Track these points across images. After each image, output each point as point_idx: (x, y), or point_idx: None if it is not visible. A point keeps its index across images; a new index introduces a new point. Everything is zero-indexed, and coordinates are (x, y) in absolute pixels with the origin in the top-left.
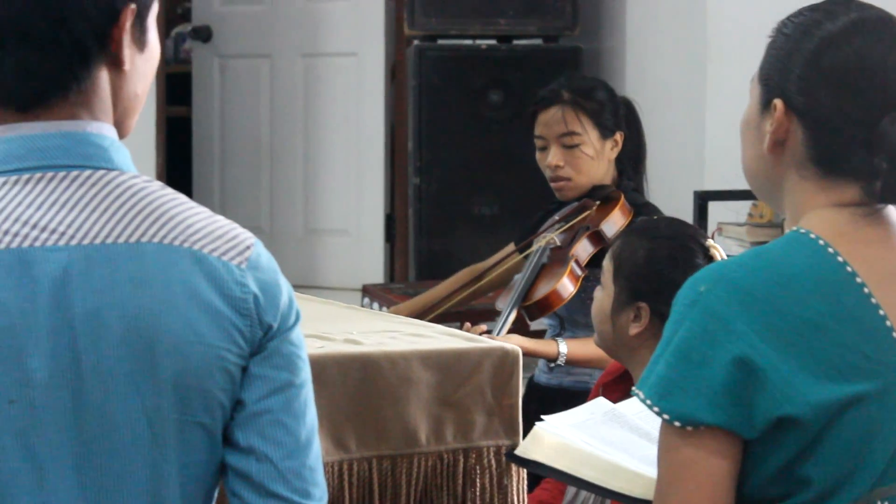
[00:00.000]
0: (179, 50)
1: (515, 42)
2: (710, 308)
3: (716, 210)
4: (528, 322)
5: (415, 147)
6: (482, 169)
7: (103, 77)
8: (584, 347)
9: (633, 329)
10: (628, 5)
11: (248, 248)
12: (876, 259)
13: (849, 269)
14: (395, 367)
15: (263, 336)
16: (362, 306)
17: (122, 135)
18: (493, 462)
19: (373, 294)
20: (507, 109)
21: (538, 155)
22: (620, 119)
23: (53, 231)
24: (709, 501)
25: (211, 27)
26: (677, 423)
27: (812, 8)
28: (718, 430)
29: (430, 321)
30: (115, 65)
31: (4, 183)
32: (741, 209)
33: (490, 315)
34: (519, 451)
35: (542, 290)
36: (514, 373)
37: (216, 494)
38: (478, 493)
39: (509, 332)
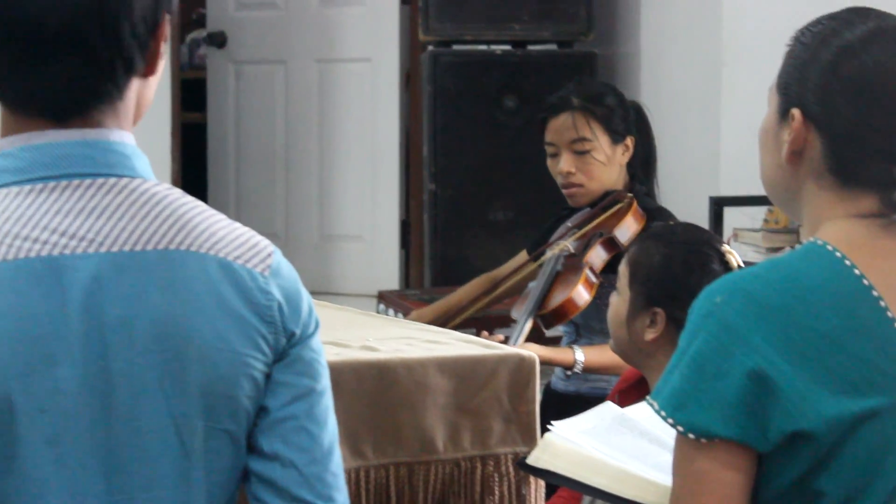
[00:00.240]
0: (194, 56)
1: (530, 47)
2: (725, 320)
3: (731, 216)
4: (544, 330)
5: (430, 153)
6: (497, 174)
7: (135, 86)
8: (601, 354)
9: (649, 334)
10: (643, 11)
11: (269, 255)
12: (892, 272)
13: (865, 282)
14: (412, 374)
15: (287, 343)
16: (378, 312)
17: None
18: (510, 469)
19: (388, 300)
20: (521, 115)
21: (549, 162)
22: (631, 124)
23: (82, 238)
24: None
25: (226, 33)
26: (692, 436)
27: (830, 17)
28: (733, 443)
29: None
30: (146, 73)
31: (31, 191)
32: (756, 215)
33: (505, 321)
34: (530, 460)
35: (557, 299)
36: (531, 379)
37: (237, 500)
38: (496, 501)
39: (525, 340)
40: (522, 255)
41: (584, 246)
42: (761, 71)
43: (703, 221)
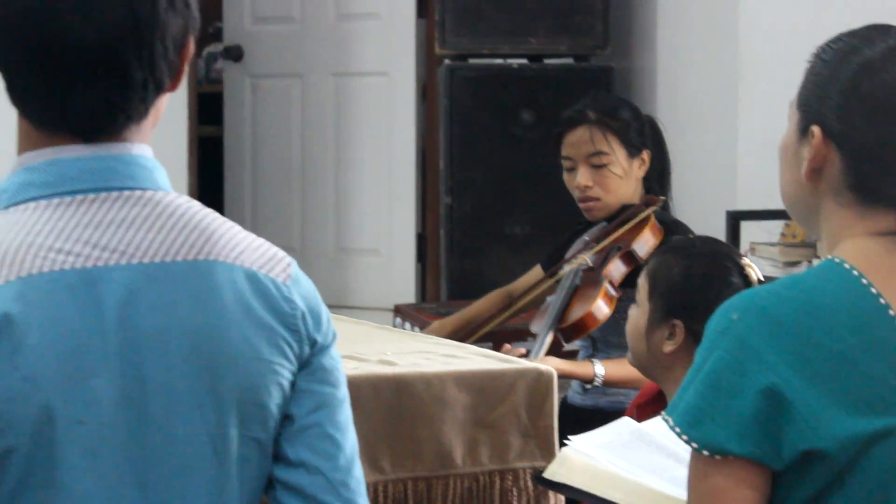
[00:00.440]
0: (211, 69)
1: (546, 61)
2: (740, 337)
3: (748, 230)
4: (563, 344)
5: (446, 166)
6: (514, 188)
7: (158, 103)
8: (621, 368)
9: (668, 347)
10: (659, 24)
11: (288, 265)
12: None
13: (882, 301)
14: (430, 388)
15: (310, 351)
16: (394, 326)
17: None
18: (529, 484)
19: (405, 314)
20: (538, 129)
21: (566, 176)
22: (647, 138)
23: (114, 250)
24: None
25: (242, 47)
26: (706, 453)
27: (850, 34)
28: (747, 460)
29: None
30: (170, 89)
31: (59, 204)
32: (774, 229)
33: (520, 335)
34: (547, 474)
35: (576, 313)
36: (549, 394)
37: None
38: None
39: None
40: (537, 270)
41: (603, 260)
42: (778, 85)
43: (720, 235)
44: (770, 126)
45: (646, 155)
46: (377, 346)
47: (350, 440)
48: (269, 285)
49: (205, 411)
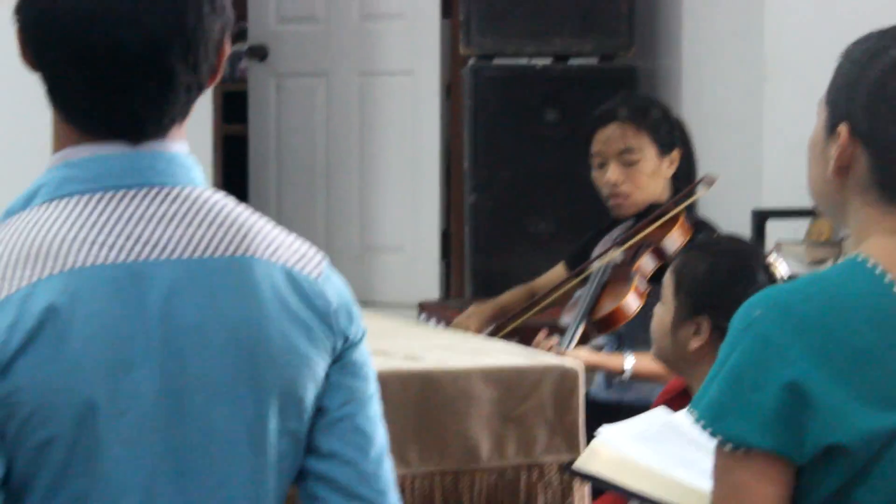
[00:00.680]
0: (236, 69)
1: (571, 61)
2: (763, 333)
3: (774, 228)
4: (591, 337)
5: (470, 165)
6: (538, 187)
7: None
8: (650, 361)
9: (694, 343)
10: (684, 24)
11: (320, 261)
12: None
13: None
14: (456, 383)
15: (343, 345)
16: (419, 323)
17: None
18: (555, 478)
19: (430, 311)
20: (562, 128)
21: (595, 173)
22: (676, 137)
23: (156, 245)
24: None
25: (267, 46)
26: (729, 446)
27: (880, 33)
28: (770, 454)
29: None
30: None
31: (101, 199)
32: (799, 227)
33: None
34: (577, 465)
35: (607, 307)
36: (575, 389)
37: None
38: None
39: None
40: (560, 268)
41: (633, 255)
42: (804, 84)
43: (745, 234)
44: (795, 125)
45: (675, 154)
46: (403, 342)
47: (380, 434)
48: (303, 281)
49: (244, 404)
